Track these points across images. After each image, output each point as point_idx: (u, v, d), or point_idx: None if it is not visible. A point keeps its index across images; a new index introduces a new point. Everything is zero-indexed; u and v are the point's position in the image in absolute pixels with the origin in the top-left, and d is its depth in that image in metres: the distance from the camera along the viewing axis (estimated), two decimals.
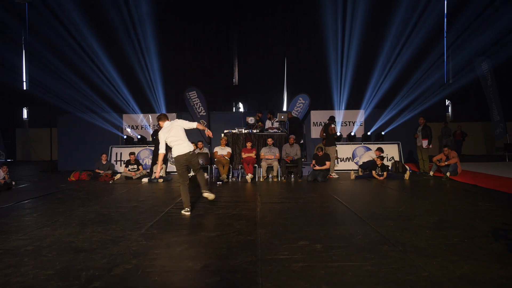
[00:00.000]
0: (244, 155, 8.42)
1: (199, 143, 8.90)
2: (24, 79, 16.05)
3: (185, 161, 4.72)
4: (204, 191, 5.00)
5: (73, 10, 13.58)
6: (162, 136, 4.71)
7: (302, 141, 10.33)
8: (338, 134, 11.15)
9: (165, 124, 4.80)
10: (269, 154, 8.43)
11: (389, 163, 9.28)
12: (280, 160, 8.45)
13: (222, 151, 8.50)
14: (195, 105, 11.42)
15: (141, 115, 11.92)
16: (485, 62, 13.23)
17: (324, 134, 8.93)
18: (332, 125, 8.99)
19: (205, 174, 8.67)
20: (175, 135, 4.69)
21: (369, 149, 10.11)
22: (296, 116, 11.03)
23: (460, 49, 14.14)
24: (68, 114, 11.93)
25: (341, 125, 11.62)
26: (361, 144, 10.61)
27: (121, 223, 4.18)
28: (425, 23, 13.72)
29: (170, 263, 2.87)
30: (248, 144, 8.49)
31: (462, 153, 13.54)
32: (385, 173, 8.13)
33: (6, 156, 13.99)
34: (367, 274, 2.57)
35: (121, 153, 10.59)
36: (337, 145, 9.26)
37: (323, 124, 11.31)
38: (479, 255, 2.92)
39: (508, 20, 12.72)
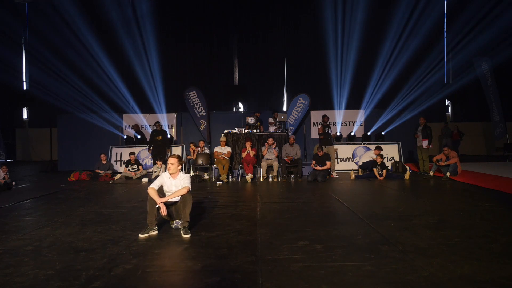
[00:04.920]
0: (244, 155, 8.43)
1: (201, 142, 8.87)
2: (24, 79, 16.06)
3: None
4: (182, 227, 3.75)
5: (73, 10, 13.59)
6: (165, 182, 3.94)
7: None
8: (338, 134, 11.16)
9: (170, 166, 3.93)
10: (269, 154, 8.43)
11: (389, 163, 9.28)
12: (280, 160, 8.46)
13: (222, 150, 8.50)
14: (195, 105, 11.43)
15: (141, 115, 11.93)
16: (485, 62, 13.23)
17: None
18: (319, 126, 9.06)
19: (206, 175, 8.75)
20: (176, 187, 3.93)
21: (369, 149, 10.12)
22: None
23: (460, 49, 14.15)
24: (68, 114, 11.94)
25: (341, 125, 11.62)
26: (361, 144, 10.61)
27: (121, 223, 4.18)
28: (425, 23, 13.73)
29: (170, 263, 2.87)
30: (248, 144, 8.49)
31: (460, 153, 13.53)
32: (384, 171, 8.14)
33: (6, 156, 13.99)
34: (367, 274, 2.57)
35: (121, 153, 10.59)
36: (333, 145, 9.29)
37: (318, 125, 11.37)
38: (479, 255, 2.92)
39: (508, 20, 12.73)
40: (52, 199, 5.96)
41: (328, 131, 9.09)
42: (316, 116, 11.60)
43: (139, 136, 11.14)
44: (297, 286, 2.40)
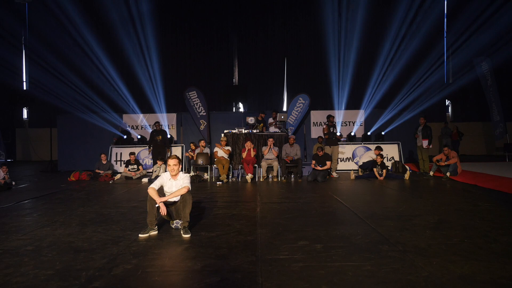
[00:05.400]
0: (244, 155, 8.42)
1: (202, 141, 8.86)
2: (24, 79, 16.06)
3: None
4: (182, 227, 3.75)
5: (73, 10, 13.59)
6: (165, 183, 3.94)
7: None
8: (338, 134, 11.16)
9: (173, 167, 3.90)
10: (269, 154, 8.43)
11: (389, 163, 9.28)
12: (280, 160, 8.46)
13: (222, 150, 8.49)
14: (195, 105, 11.43)
15: (141, 115, 11.92)
16: (485, 62, 13.24)
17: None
18: (324, 126, 9.05)
19: (206, 175, 8.74)
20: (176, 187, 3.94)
21: (369, 149, 10.12)
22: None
23: (460, 49, 14.15)
24: (68, 114, 11.94)
25: (341, 125, 11.62)
26: (361, 144, 10.61)
27: (121, 223, 4.18)
28: (425, 23, 13.73)
29: (170, 263, 2.87)
30: (248, 144, 8.49)
31: (460, 153, 13.56)
32: (384, 171, 8.14)
33: (6, 156, 13.98)
34: (367, 274, 2.57)
35: (121, 153, 10.59)
36: (338, 145, 9.27)
37: (323, 124, 11.36)
38: (479, 255, 2.92)
39: (508, 20, 12.73)
40: (52, 199, 5.96)
41: (333, 131, 9.08)
42: (316, 116, 11.60)
43: (139, 136, 11.13)
44: (297, 286, 2.40)
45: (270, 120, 10.26)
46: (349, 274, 2.58)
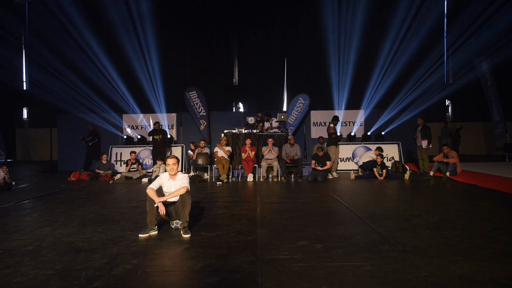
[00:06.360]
0: (243, 155, 8.42)
1: (201, 142, 8.86)
2: (24, 79, 16.06)
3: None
4: (182, 227, 3.74)
5: (73, 10, 13.60)
6: (164, 183, 3.94)
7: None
8: (338, 134, 11.15)
9: (172, 166, 3.91)
10: (269, 154, 8.43)
11: (389, 163, 9.28)
12: (280, 160, 8.45)
13: (222, 150, 8.49)
14: (195, 105, 11.43)
15: (141, 115, 11.93)
16: (485, 62, 13.24)
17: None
18: (331, 125, 9.01)
19: (206, 175, 8.74)
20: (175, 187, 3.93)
21: (369, 149, 10.12)
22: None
23: (460, 49, 14.16)
24: (68, 114, 11.94)
25: (341, 125, 11.63)
26: (361, 144, 10.60)
27: (121, 223, 4.18)
28: (425, 23, 13.74)
29: (170, 263, 2.87)
30: (248, 146, 8.48)
31: (460, 153, 13.57)
32: (384, 171, 8.14)
33: (6, 156, 13.98)
34: (367, 274, 2.57)
35: (121, 153, 10.59)
36: (339, 146, 9.24)
37: (323, 124, 11.36)
38: (479, 255, 2.92)
39: (508, 20, 12.74)
40: (52, 199, 5.96)
41: (336, 131, 9.08)
42: (316, 116, 11.60)
43: (139, 136, 11.13)
44: (297, 286, 2.40)
45: (267, 124, 10.12)
46: (349, 274, 2.58)
